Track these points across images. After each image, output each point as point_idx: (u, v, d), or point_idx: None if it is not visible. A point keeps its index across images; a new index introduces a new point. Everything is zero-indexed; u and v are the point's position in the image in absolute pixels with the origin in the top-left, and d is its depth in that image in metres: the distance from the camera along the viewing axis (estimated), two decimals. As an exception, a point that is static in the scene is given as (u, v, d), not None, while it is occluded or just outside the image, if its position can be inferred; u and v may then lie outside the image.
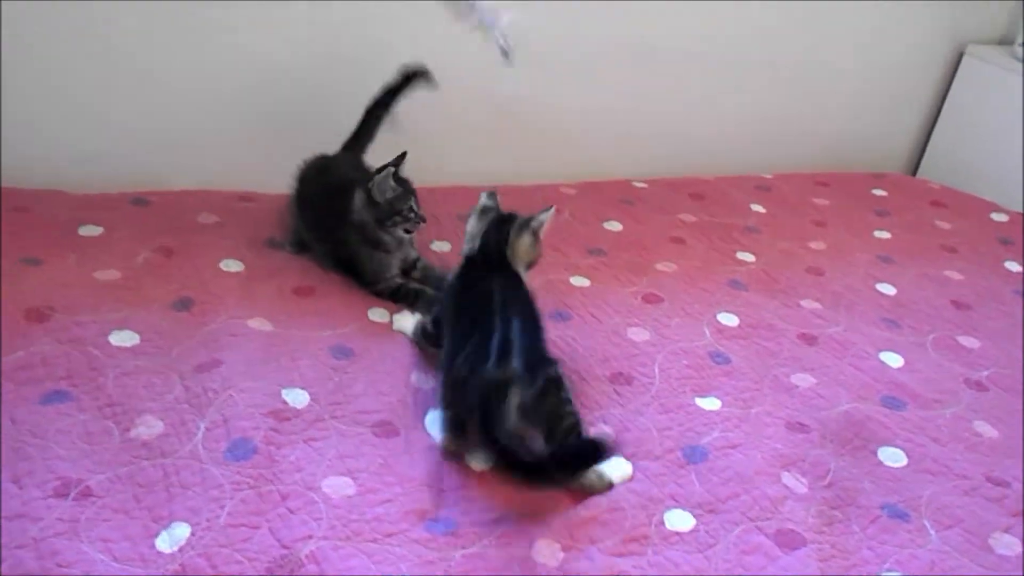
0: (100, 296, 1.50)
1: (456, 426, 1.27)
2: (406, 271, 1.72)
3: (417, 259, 1.74)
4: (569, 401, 1.32)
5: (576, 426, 1.29)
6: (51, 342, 1.38)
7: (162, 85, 1.90)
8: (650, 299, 1.76)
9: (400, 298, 1.66)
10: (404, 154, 1.63)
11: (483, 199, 1.49)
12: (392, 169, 1.60)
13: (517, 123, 2.23)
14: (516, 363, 1.24)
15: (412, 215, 1.64)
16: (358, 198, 1.62)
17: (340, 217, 1.64)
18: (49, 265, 1.57)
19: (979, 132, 2.56)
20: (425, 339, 1.51)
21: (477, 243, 1.44)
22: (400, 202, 1.62)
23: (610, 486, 1.28)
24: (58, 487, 1.14)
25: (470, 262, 1.45)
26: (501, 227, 1.44)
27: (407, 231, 1.66)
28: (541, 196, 2.12)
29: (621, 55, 2.26)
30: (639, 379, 1.52)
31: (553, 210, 1.46)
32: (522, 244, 1.44)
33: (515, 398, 1.21)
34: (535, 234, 1.45)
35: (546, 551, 1.15)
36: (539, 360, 1.30)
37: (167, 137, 1.96)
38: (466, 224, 1.48)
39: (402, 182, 1.63)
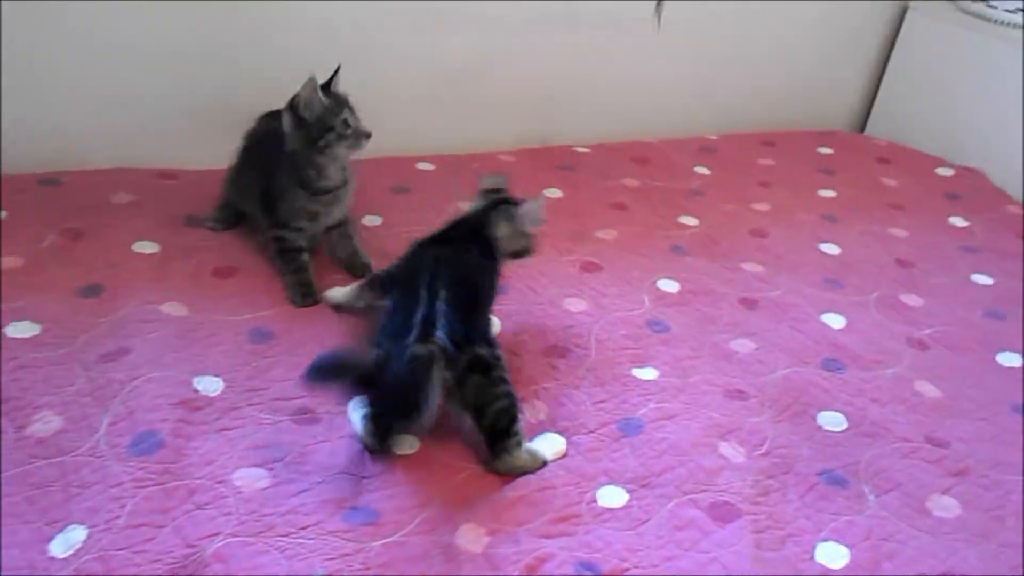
0: (-1, 285, 1.42)
1: (379, 427, 1.21)
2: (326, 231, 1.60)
3: (344, 221, 1.62)
4: (502, 381, 1.24)
5: (509, 409, 1.22)
6: (-57, 335, 1.29)
7: (82, 59, 1.78)
8: (588, 268, 1.71)
9: (286, 260, 1.53)
10: (338, 68, 1.50)
11: (485, 182, 1.43)
12: (316, 81, 1.46)
13: (455, 90, 2.15)
14: (441, 337, 1.18)
15: (349, 131, 1.49)
16: (285, 119, 1.49)
17: (277, 156, 1.53)
18: (-55, 253, 1.47)
19: (925, 87, 2.53)
20: (370, 289, 1.43)
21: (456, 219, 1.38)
22: (331, 116, 1.46)
23: (544, 464, 1.23)
24: (-57, 492, 1.06)
25: (436, 236, 1.38)
26: (490, 209, 1.38)
27: (350, 148, 1.51)
28: (480, 164, 2.05)
29: (561, 18, 2.18)
30: (575, 351, 1.47)
31: (543, 198, 1.41)
32: (501, 231, 1.37)
33: (438, 374, 1.15)
34: (520, 223, 1.38)
35: (470, 535, 1.10)
36: (467, 339, 1.23)
37: (83, 114, 1.84)
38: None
39: (333, 96, 1.49)
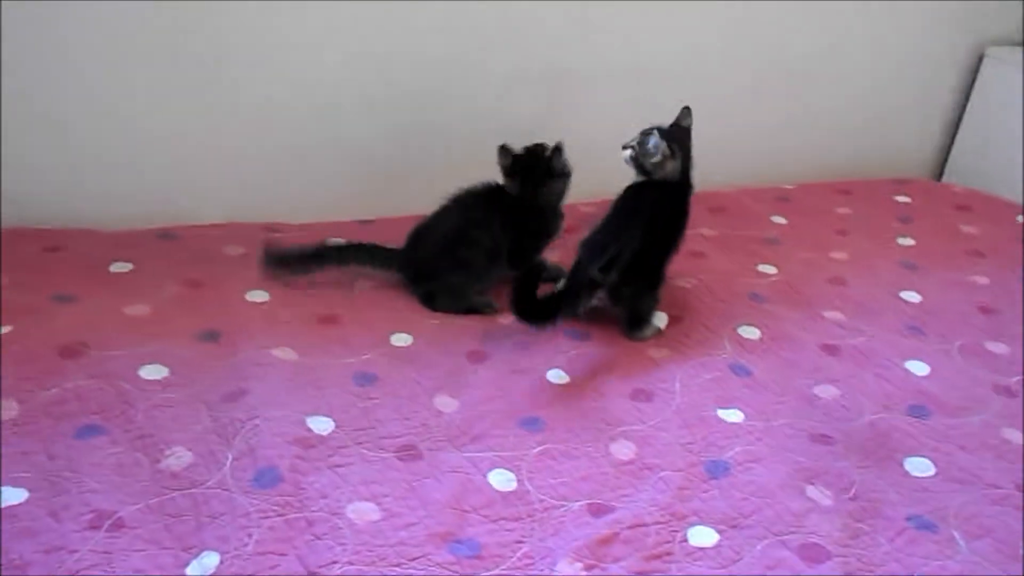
0: (130, 331, 1.55)
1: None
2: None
3: None
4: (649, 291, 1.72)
5: (647, 308, 1.72)
6: (84, 377, 1.42)
7: (186, 120, 1.95)
8: (670, 317, 1.77)
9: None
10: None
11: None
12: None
13: (529, 142, 2.25)
14: (612, 276, 1.64)
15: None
16: (534, 179, 1.79)
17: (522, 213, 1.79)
18: (81, 302, 1.62)
19: (1003, 134, 2.53)
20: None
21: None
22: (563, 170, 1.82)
23: (659, 331, 1.71)
24: (92, 519, 1.17)
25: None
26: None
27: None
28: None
29: (633, 71, 2.27)
30: (660, 394, 1.52)
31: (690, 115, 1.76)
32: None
33: (591, 300, 1.66)
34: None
35: (568, 570, 1.16)
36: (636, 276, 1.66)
37: (193, 172, 2.01)
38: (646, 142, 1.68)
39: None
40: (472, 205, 1.77)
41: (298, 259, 1.75)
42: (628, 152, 1.71)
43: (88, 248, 1.80)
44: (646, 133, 1.68)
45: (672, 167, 1.71)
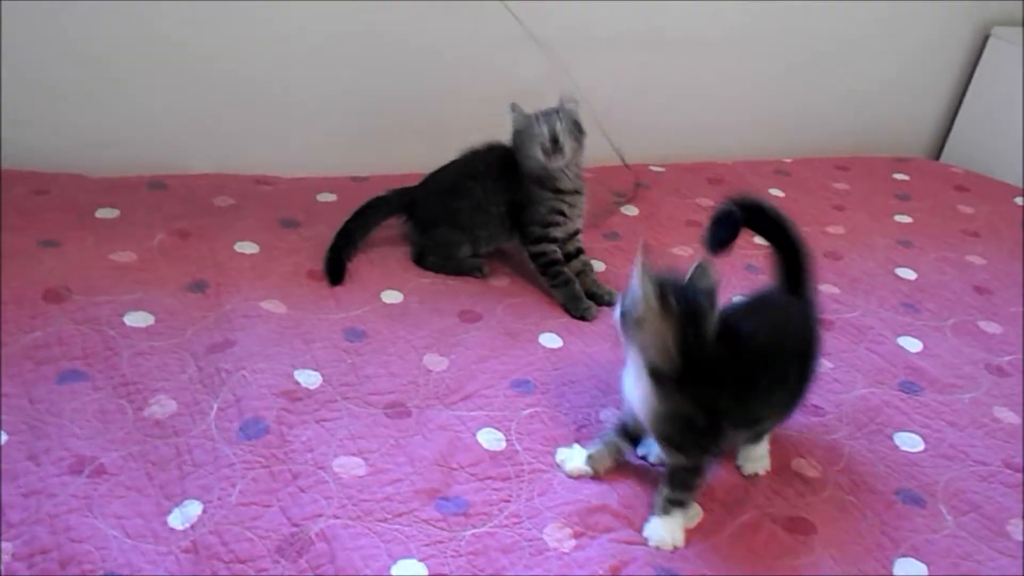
0: (116, 278, 1.52)
1: None
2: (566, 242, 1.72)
3: (578, 231, 1.73)
4: None
5: None
6: (68, 322, 1.39)
7: (182, 69, 1.91)
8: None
9: (552, 276, 1.66)
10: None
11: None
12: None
13: (534, 107, 2.21)
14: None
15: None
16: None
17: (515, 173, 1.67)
18: (67, 247, 1.58)
19: (1004, 116, 2.51)
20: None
21: None
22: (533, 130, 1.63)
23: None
24: (73, 464, 1.15)
25: None
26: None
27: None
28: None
29: (638, 39, 2.24)
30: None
31: None
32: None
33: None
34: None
35: (557, 534, 1.15)
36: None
37: (186, 121, 1.96)
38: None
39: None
40: (472, 159, 1.74)
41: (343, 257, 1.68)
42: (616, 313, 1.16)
43: (75, 193, 1.76)
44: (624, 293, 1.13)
45: (659, 337, 1.09)
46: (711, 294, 1.10)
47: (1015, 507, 1.29)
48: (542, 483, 1.23)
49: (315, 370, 1.38)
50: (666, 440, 1.16)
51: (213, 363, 1.36)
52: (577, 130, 1.66)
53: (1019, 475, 1.35)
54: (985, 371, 1.60)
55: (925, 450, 1.39)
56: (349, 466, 1.21)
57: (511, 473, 1.24)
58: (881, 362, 1.58)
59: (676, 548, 1.15)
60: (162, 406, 1.26)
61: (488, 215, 1.70)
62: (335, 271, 1.63)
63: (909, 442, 1.40)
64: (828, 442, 1.38)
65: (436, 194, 1.73)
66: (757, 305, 1.29)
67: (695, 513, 1.21)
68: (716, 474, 1.28)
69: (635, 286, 1.09)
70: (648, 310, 1.07)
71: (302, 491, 1.16)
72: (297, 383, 1.34)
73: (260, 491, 1.15)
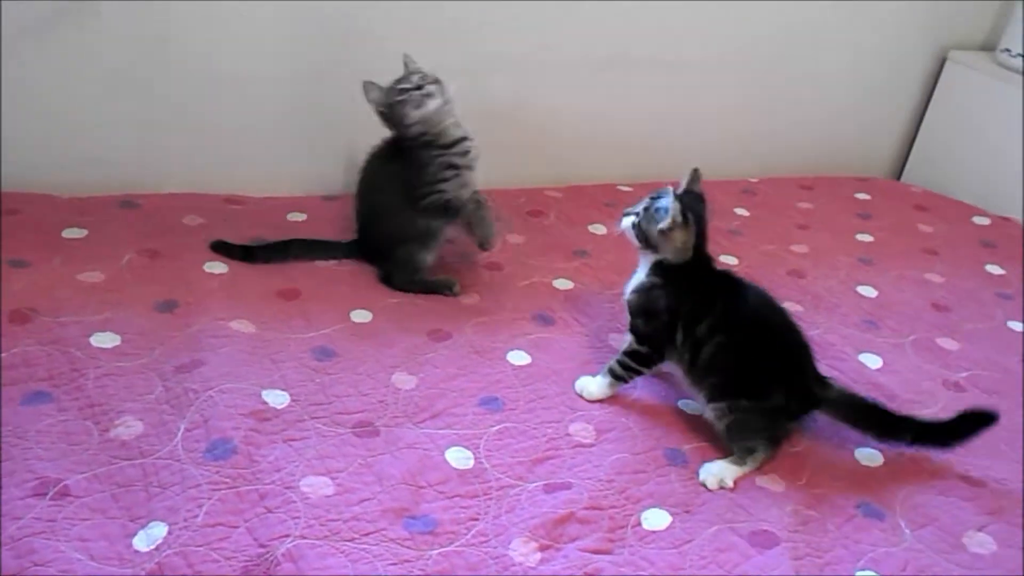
0: (83, 298, 1.51)
1: None
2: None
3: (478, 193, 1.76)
4: None
5: None
6: (33, 343, 1.39)
7: (153, 89, 1.90)
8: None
9: (450, 215, 1.71)
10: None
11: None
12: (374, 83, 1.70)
13: (502, 127, 2.24)
14: None
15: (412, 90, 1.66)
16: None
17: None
18: (34, 268, 1.57)
19: (962, 137, 2.58)
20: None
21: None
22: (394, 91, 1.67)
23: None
24: (36, 486, 1.14)
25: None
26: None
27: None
28: (527, 199, 2.13)
29: (605, 60, 2.27)
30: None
31: None
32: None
33: None
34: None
35: (523, 549, 1.16)
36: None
37: (157, 141, 1.96)
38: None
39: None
40: (370, 173, 1.79)
41: (241, 250, 1.73)
42: (629, 220, 1.49)
43: (45, 213, 1.75)
44: (655, 197, 1.46)
45: (682, 241, 1.44)
46: (702, 197, 1.50)
47: (972, 519, 1.32)
48: (510, 499, 1.24)
49: (283, 390, 1.38)
50: (633, 327, 1.48)
51: (181, 383, 1.36)
52: (434, 80, 1.69)
53: (976, 489, 1.38)
54: (943, 387, 1.64)
55: (884, 464, 1.42)
56: (317, 486, 1.21)
57: (479, 491, 1.25)
58: (843, 378, 1.61)
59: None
60: (128, 427, 1.26)
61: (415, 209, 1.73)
62: (241, 251, 1.72)
63: (869, 457, 1.43)
64: (791, 455, 1.40)
65: (368, 227, 1.79)
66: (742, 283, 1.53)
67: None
68: (685, 486, 1.30)
69: (661, 206, 1.43)
70: (675, 224, 1.41)
71: (269, 511, 1.16)
72: (265, 403, 1.34)
73: (227, 512, 1.15)
